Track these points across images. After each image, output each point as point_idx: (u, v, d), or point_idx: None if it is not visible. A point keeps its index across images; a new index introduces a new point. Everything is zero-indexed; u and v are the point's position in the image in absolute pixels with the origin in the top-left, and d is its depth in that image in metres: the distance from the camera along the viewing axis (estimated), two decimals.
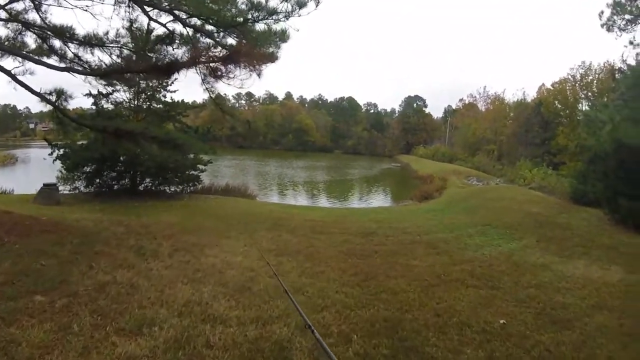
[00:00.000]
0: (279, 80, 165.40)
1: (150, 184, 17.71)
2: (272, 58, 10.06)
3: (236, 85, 9.47)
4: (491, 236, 11.91)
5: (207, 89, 10.68)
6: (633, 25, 14.72)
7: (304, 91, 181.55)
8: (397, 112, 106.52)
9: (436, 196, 25.51)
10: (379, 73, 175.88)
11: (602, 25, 15.31)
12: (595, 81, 43.17)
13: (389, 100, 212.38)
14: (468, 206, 18.45)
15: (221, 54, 9.22)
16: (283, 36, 9.61)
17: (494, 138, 56.39)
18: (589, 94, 43.63)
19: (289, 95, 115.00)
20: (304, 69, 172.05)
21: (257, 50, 9.13)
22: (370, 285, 6.85)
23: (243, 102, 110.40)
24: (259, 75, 10.58)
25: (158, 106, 17.32)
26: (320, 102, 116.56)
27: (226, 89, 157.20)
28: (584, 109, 44.04)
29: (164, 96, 17.32)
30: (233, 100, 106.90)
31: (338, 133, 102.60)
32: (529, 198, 19.17)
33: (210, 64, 9.40)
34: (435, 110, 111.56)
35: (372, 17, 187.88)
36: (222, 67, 9.16)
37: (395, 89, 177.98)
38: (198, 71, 9.65)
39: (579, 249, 10.38)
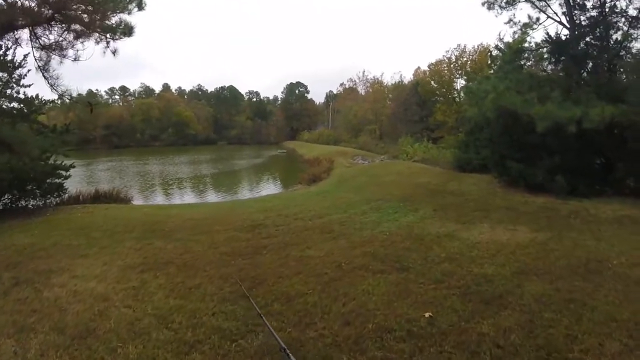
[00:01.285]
0: (155, 72, 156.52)
1: (8, 201, 14.41)
2: (127, 30, 8.28)
3: (69, 56, 7.47)
4: (386, 211, 11.25)
5: (40, 68, 8.51)
6: (512, 5, 15.11)
7: (182, 82, 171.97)
8: (279, 99, 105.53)
9: (325, 177, 24.86)
10: (260, 61, 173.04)
11: (482, 4, 15.57)
12: (469, 62, 45.70)
13: (271, 88, 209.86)
14: (357, 184, 17.93)
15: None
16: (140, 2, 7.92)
17: (375, 119, 58.07)
18: (464, 73, 46.31)
19: (166, 87, 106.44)
20: (181, 59, 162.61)
21: (100, 8, 7.22)
22: (258, 295, 5.49)
23: (117, 97, 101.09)
24: (114, 53, 8.73)
25: (11, 105, 14.07)
26: (200, 92, 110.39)
27: (97, 83, 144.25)
28: (459, 87, 47.18)
29: (17, 92, 14.14)
30: (106, 96, 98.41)
31: (221, 124, 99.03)
32: (415, 170, 19.25)
33: (35, 29, 7.31)
34: (317, 96, 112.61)
35: (249, 3, 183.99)
36: (48, 33, 7.16)
37: (277, 76, 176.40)
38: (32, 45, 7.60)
39: (478, 214, 10.09)
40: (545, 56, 14.39)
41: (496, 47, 17.26)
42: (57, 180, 15.18)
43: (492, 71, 19.17)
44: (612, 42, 12.99)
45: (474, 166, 17.57)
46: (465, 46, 47.39)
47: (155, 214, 13.26)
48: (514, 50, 14.48)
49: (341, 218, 10.66)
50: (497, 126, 13.74)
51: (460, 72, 46.94)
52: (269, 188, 26.93)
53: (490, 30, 74.56)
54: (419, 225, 9.36)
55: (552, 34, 14.12)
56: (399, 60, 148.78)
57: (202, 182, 31.28)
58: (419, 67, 57.80)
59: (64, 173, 15.33)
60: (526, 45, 14.56)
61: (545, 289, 5.19)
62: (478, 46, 44.80)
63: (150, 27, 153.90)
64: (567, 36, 13.82)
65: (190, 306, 5.17)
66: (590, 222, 8.81)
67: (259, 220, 10.99)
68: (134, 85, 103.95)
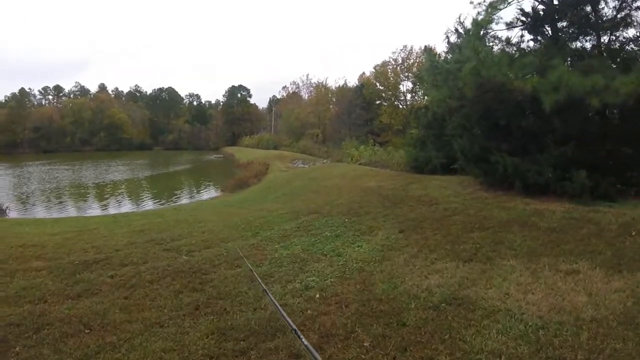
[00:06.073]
0: (95, 73, 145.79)
1: None
2: None
3: None
4: (321, 233, 7.00)
5: None
6: None
7: (119, 83, 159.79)
8: (221, 103, 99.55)
9: (254, 183, 20.50)
10: (202, 67, 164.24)
11: None
12: (416, 64, 42.94)
13: (213, 92, 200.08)
14: (290, 190, 13.72)
15: None
16: None
17: (317, 122, 54.60)
18: (410, 75, 43.91)
19: (102, 88, 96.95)
20: (119, 59, 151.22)
21: None
22: None
23: (50, 97, 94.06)
24: None
25: None
26: (138, 94, 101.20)
27: (31, 82, 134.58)
28: (404, 90, 44.57)
29: None
30: (39, 96, 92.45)
31: (157, 127, 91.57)
32: (362, 172, 15.21)
33: None
34: (261, 101, 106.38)
35: (197, 6, 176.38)
36: None
37: (220, 82, 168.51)
38: None
39: (480, 236, 5.91)
40: (518, 37, 10.96)
41: (455, 31, 13.49)
42: None
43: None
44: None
45: (434, 166, 13.85)
46: (412, 47, 44.82)
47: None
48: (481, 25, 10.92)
49: (242, 247, 6.25)
50: (476, 108, 9.83)
51: (407, 74, 44.48)
52: (181, 196, 22.09)
53: (437, 33, 71.90)
54: (385, 269, 5.03)
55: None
56: (343, 68, 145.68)
57: (110, 190, 25.92)
58: (363, 73, 54.94)
59: None
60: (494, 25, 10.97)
61: None
62: (425, 47, 42.25)
63: (94, 25, 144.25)
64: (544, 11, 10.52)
65: None
66: None
67: (109, 251, 6.67)
68: (69, 85, 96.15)
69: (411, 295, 4.15)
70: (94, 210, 18.63)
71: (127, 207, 19.10)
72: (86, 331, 3.78)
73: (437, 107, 13.29)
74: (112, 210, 18.05)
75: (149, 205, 19.23)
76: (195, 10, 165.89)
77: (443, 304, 3.87)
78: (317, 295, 4.30)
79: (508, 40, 11.24)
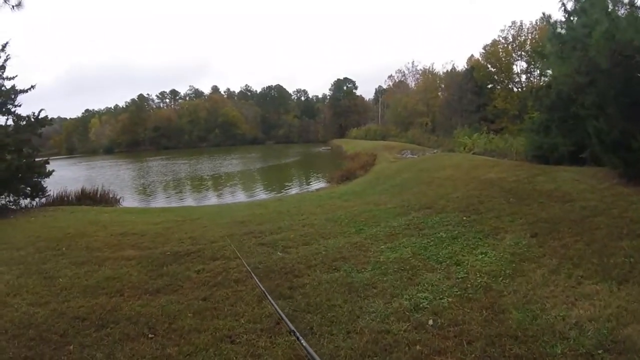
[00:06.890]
0: (208, 76, 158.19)
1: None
2: None
3: None
4: (435, 233, 6.15)
5: None
6: None
7: (231, 84, 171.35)
8: (328, 97, 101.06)
9: (361, 174, 20.01)
10: (308, 62, 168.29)
11: None
12: (528, 41, 39.62)
13: (319, 87, 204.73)
14: (398, 182, 12.95)
15: None
16: None
17: (426, 110, 52.45)
18: (523, 54, 40.53)
19: (215, 89, 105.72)
20: (229, 61, 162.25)
21: None
22: None
23: (167, 100, 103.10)
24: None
25: None
26: (248, 93, 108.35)
27: (150, 88, 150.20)
28: (518, 70, 41.25)
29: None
30: (157, 100, 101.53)
31: (268, 123, 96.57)
32: (478, 163, 13.90)
33: None
34: (366, 93, 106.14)
35: (294, 3, 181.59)
36: None
37: (325, 74, 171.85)
38: None
39: (634, 248, 4.57)
40: None
41: None
42: (37, 180, 14.05)
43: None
44: None
45: (561, 155, 11.94)
46: (521, 23, 40.90)
47: (101, 222, 9.76)
48: None
49: (342, 248, 5.72)
50: (612, 81, 8.26)
51: (519, 53, 40.92)
52: (296, 187, 22.46)
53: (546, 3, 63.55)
54: (519, 288, 3.99)
55: None
56: (449, 51, 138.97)
57: (224, 182, 27.33)
58: (472, 55, 50.72)
59: (47, 169, 14.38)
60: None
61: None
62: (537, 21, 38.06)
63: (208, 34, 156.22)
64: None
65: None
66: None
67: (204, 242, 6.67)
68: (184, 89, 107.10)
69: (556, 332, 3.17)
70: (208, 200, 19.56)
71: (240, 197, 19.77)
72: (149, 336, 3.56)
73: (562, 85, 11.63)
74: (225, 200, 18.76)
75: (260, 195, 19.78)
76: (296, 8, 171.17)
77: (600, 350, 2.84)
78: (430, 322, 3.47)
79: (632, 3, 9.54)
